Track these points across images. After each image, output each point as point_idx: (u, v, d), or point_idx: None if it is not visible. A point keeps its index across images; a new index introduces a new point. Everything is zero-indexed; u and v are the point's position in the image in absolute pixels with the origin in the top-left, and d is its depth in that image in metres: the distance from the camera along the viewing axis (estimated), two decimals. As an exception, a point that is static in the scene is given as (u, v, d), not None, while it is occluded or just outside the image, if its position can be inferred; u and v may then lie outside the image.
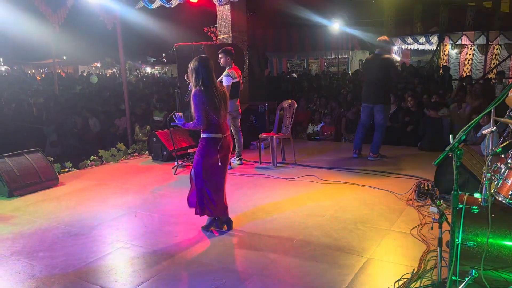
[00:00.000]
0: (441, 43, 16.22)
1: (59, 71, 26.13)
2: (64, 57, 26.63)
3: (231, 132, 6.54)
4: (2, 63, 30.76)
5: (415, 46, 17.26)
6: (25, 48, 17.04)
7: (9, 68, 30.70)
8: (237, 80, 6.25)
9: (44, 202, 5.18)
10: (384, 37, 6.68)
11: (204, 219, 4.10)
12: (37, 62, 28.21)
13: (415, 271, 3.10)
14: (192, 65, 3.87)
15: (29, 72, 30.75)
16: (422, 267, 3.16)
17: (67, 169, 6.56)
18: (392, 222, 4.11)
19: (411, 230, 3.88)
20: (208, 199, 3.93)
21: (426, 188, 4.78)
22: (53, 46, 16.84)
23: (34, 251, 3.76)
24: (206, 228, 4.06)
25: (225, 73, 6.19)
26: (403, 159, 6.60)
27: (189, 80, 6.18)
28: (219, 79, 6.28)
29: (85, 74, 26.87)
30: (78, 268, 3.41)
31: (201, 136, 3.94)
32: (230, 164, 6.46)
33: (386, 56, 6.48)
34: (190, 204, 4.08)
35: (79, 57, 26.44)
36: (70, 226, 4.33)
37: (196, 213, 4.00)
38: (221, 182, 3.98)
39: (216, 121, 3.84)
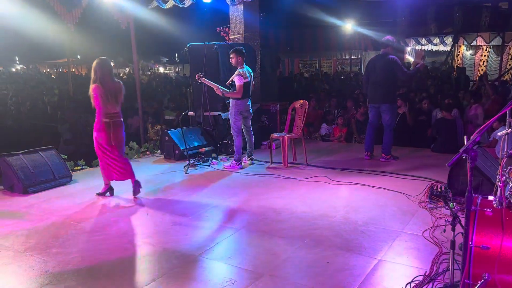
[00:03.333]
0: (456, 44, 16.04)
1: (73, 70, 26.45)
2: (78, 56, 26.97)
3: (243, 132, 6.56)
4: (18, 62, 31.24)
5: (429, 47, 17.10)
6: (40, 47, 17.31)
7: (25, 67, 31.18)
8: (248, 80, 6.26)
9: (58, 199, 5.25)
10: (388, 37, 6.66)
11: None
12: (52, 61, 28.61)
13: (427, 274, 3.07)
14: None
15: (44, 71, 31.20)
16: (435, 270, 3.13)
17: (80, 167, 6.63)
18: (404, 224, 4.08)
19: (423, 232, 3.85)
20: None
21: (439, 190, 4.72)
22: (67, 46, 17.06)
23: (48, 247, 3.81)
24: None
25: (236, 72, 6.20)
26: (416, 161, 6.54)
27: (200, 81, 6.26)
28: (231, 78, 6.30)
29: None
30: (91, 265, 3.45)
31: None
32: (242, 163, 6.49)
33: (391, 56, 6.45)
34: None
35: (93, 56, 26.70)
36: (83, 223, 4.38)
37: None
38: None
39: None
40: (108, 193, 5.28)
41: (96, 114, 4.92)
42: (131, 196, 5.22)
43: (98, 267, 3.40)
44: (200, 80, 6.40)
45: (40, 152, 5.87)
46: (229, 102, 6.47)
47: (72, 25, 7.46)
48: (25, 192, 5.42)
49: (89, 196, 5.31)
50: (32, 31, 11.79)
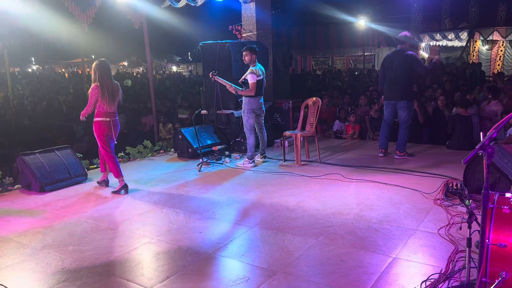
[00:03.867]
0: (471, 39, 15.79)
1: (88, 70, 26.77)
2: (93, 56, 27.25)
3: (255, 130, 6.56)
4: (33, 63, 31.73)
5: (443, 43, 16.87)
6: (55, 47, 17.58)
7: (40, 68, 31.65)
8: (261, 78, 6.26)
9: (74, 197, 5.32)
10: (406, 33, 6.56)
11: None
12: (67, 61, 28.98)
13: (442, 272, 3.04)
14: None
15: (59, 71, 31.62)
16: (450, 268, 3.09)
17: (95, 166, 6.71)
18: (419, 222, 4.03)
19: (438, 230, 3.80)
20: None
21: (455, 187, 4.65)
22: (82, 46, 17.25)
23: (64, 244, 3.87)
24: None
25: (249, 70, 6.20)
26: (431, 158, 6.46)
27: (214, 79, 6.29)
28: (244, 76, 6.30)
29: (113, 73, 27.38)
30: (106, 261, 3.49)
31: None
32: (255, 161, 6.49)
33: (409, 52, 6.36)
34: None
35: (107, 56, 26.99)
36: (98, 221, 4.44)
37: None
38: None
39: None
40: (123, 191, 5.34)
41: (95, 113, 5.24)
42: (145, 194, 5.27)
43: (113, 264, 3.45)
44: (214, 79, 6.43)
45: (56, 151, 5.95)
46: (242, 100, 6.48)
47: (86, 25, 7.54)
48: (42, 190, 5.51)
49: (104, 194, 5.37)
50: (47, 31, 11.97)
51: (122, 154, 7.24)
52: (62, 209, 4.87)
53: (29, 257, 3.64)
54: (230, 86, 6.30)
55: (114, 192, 5.35)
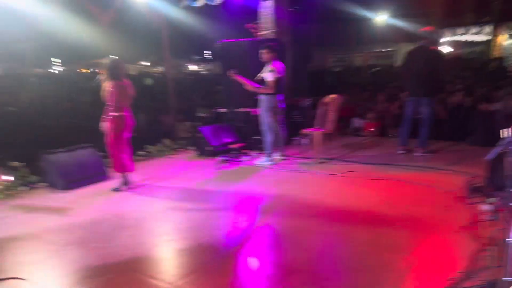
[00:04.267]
0: (494, 33, 15.42)
1: (108, 70, 27.14)
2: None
3: (273, 128, 6.55)
4: (61, 64, 32.38)
5: (465, 37, 16.52)
6: (76, 48, 17.86)
7: (63, 68, 32.28)
8: (279, 75, 6.25)
9: (96, 195, 5.43)
10: (428, 28, 6.44)
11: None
12: (88, 61, 29.46)
13: (466, 270, 2.99)
14: None
15: (81, 71, 32.13)
16: (474, 266, 3.04)
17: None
18: (441, 219, 3.98)
19: (462, 227, 3.74)
20: None
21: (478, 184, 4.57)
22: (102, 46, 17.52)
23: (88, 241, 3.96)
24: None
25: (268, 68, 6.20)
26: (453, 155, 6.36)
27: (233, 77, 6.32)
28: (262, 74, 6.31)
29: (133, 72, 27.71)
30: (128, 258, 3.55)
31: None
32: (273, 159, 6.50)
33: (433, 48, 6.25)
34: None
35: (126, 56, 27.36)
36: (121, 219, 4.52)
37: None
38: None
39: None
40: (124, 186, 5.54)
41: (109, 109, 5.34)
42: (166, 191, 5.35)
43: (135, 261, 3.50)
44: (233, 77, 6.45)
45: (79, 150, 6.08)
46: (259, 98, 6.48)
47: (107, 25, 7.67)
48: (66, 188, 5.63)
49: (125, 192, 5.46)
50: (69, 33, 12.20)
51: (143, 152, 7.34)
52: (86, 207, 4.98)
53: (54, 254, 3.73)
54: (249, 84, 6.31)
55: (113, 190, 5.51)
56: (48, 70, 32.04)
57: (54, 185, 5.75)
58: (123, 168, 5.50)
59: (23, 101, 16.35)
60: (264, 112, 6.37)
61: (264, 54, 6.26)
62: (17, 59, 20.77)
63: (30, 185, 5.84)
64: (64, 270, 3.43)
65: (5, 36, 12.25)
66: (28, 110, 13.92)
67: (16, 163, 6.02)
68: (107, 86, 5.30)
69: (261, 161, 6.50)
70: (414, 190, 4.91)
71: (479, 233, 3.57)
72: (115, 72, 5.31)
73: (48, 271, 3.43)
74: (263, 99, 6.36)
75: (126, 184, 5.53)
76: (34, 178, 5.91)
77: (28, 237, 4.15)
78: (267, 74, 6.16)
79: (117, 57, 5.56)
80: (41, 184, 5.92)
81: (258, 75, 6.35)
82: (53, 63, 30.80)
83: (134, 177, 5.76)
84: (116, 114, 5.33)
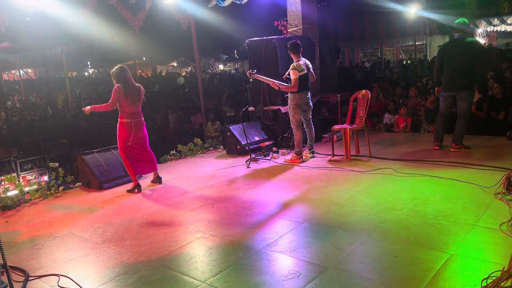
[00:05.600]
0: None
1: (139, 71, 27.76)
2: (144, 58, 28.22)
3: (303, 126, 6.51)
4: (89, 66, 33.32)
5: (502, 28, 15.87)
6: (108, 51, 18.34)
7: (96, 71, 33.21)
8: (305, 72, 6.18)
9: (129, 194, 5.55)
10: (463, 19, 6.22)
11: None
12: (120, 63, 30.17)
13: (505, 270, 2.87)
14: None
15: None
16: (514, 265, 2.92)
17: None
18: (478, 217, 3.84)
19: (500, 225, 3.60)
20: None
21: (517, 180, 4.39)
22: (133, 48, 17.91)
23: (122, 239, 4.05)
24: None
25: (291, 66, 6.16)
26: (490, 150, 6.12)
27: (253, 77, 6.24)
28: (287, 72, 6.24)
29: (163, 73, 28.20)
30: (161, 256, 3.62)
31: None
32: (303, 156, 6.46)
33: (471, 39, 6.03)
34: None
35: (157, 57, 27.87)
36: (153, 217, 4.61)
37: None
38: None
39: None
40: (136, 190, 5.58)
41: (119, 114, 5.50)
42: (197, 191, 5.41)
43: (168, 258, 3.57)
44: (253, 77, 6.38)
45: (112, 150, 6.23)
46: (287, 96, 6.45)
47: (137, 28, 7.83)
48: (100, 188, 5.79)
49: (157, 191, 5.57)
50: (101, 36, 12.53)
51: (174, 152, 7.47)
52: (119, 206, 5.11)
53: (90, 251, 3.85)
54: (273, 83, 6.25)
55: (129, 191, 5.59)
56: (84, 73, 33.05)
57: (88, 185, 5.92)
58: (132, 171, 5.58)
59: (59, 104, 16.95)
60: (292, 109, 6.33)
61: (289, 51, 6.24)
62: (53, 63, 21.51)
63: (66, 185, 6.04)
64: (100, 267, 3.53)
65: (41, 41, 12.69)
66: (63, 112, 14.41)
67: (53, 164, 6.25)
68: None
69: (291, 159, 6.48)
70: (449, 186, 4.76)
71: (520, 230, 3.44)
72: (119, 77, 5.41)
73: (85, 268, 3.54)
74: (290, 97, 6.32)
75: (138, 188, 5.59)
76: (69, 178, 6.11)
77: (65, 235, 4.30)
78: (290, 72, 6.12)
79: (121, 65, 5.65)
80: (77, 184, 6.12)
81: (286, 73, 6.32)
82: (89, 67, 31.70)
83: (165, 177, 5.85)
84: (123, 120, 5.46)
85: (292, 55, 6.26)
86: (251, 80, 6.53)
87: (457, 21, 6.23)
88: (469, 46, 5.96)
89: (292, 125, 6.47)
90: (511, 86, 8.09)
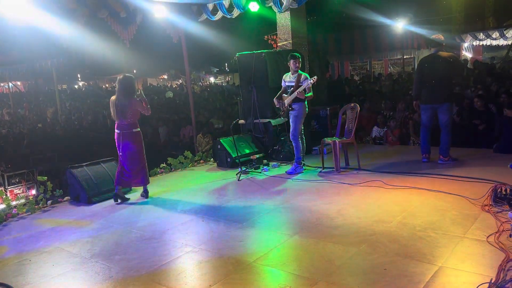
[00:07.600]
0: (517, 37, 15.10)
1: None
2: (134, 71, 28.22)
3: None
4: (79, 79, 33.25)
5: (487, 42, 16.22)
6: (99, 64, 18.36)
7: (86, 84, 33.12)
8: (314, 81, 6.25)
9: (119, 208, 5.51)
10: (439, 36, 6.42)
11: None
12: (110, 76, 30.12)
13: (493, 281, 2.91)
14: None
15: (103, 86, 32.90)
16: (501, 277, 2.95)
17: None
18: (466, 229, 3.88)
19: (487, 237, 3.64)
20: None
21: (504, 192, 4.45)
22: (123, 61, 17.94)
23: (111, 254, 4.02)
24: None
25: (302, 77, 6.22)
26: (477, 162, 6.21)
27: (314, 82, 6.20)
28: (303, 86, 6.15)
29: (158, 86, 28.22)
30: (151, 270, 3.59)
31: None
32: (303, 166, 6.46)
33: (448, 54, 6.20)
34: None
35: (148, 70, 27.94)
36: (143, 231, 4.57)
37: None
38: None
39: None
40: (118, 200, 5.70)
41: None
42: (187, 204, 5.39)
43: (158, 273, 3.54)
44: (314, 82, 6.28)
45: (102, 164, 6.20)
46: (294, 106, 6.34)
47: (128, 41, 7.85)
48: (90, 202, 5.75)
49: (147, 205, 5.53)
50: (92, 49, 12.54)
51: (164, 165, 7.44)
52: (109, 220, 5.06)
53: (79, 266, 3.81)
54: (299, 93, 6.18)
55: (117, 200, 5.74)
56: (74, 85, 32.93)
57: (77, 199, 5.87)
58: (117, 179, 5.70)
59: (49, 117, 16.84)
60: (300, 119, 6.35)
61: (296, 63, 6.28)
62: (43, 76, 21.42)
63: (54, 199, 5.98)
64: (89, 282, 3.49)
65: (31, 54, 12.67)
66: (52, 126, 14.31)
67: (42, 178, 6.19)
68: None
69: (294, 169, 6.47)
70: (437, 198, 4.80)
71: (506, 242, 3.48)
72: (117, 88, 5.66)
73: (73, 284, 3.50)
74: (300, 107, 6.35)
75: (123, 198, 5.72)
76: (58, 192, 6.05)
77: (53, 250, 4.25)
78: (306, 82, 6.17)
79: (124, 75, 5.86)
80: (66, 198, 6.06)
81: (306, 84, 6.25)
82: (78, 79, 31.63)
83: (155, 189, 5.83)
84: (115, 130, 5.66)
85: (298, 67, 6.32)
86: (314, 84, 6.34)
87: (432, 36, 6.45)
88: (447, 59, 6.11)
89: (292, 136, 6.38)
90: (495, 100, 8.23)
